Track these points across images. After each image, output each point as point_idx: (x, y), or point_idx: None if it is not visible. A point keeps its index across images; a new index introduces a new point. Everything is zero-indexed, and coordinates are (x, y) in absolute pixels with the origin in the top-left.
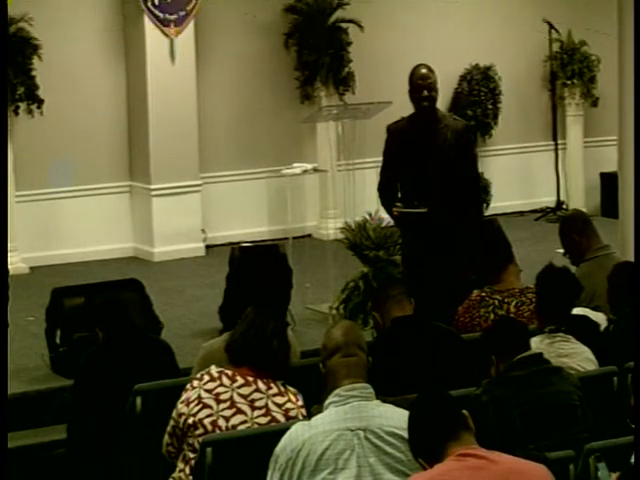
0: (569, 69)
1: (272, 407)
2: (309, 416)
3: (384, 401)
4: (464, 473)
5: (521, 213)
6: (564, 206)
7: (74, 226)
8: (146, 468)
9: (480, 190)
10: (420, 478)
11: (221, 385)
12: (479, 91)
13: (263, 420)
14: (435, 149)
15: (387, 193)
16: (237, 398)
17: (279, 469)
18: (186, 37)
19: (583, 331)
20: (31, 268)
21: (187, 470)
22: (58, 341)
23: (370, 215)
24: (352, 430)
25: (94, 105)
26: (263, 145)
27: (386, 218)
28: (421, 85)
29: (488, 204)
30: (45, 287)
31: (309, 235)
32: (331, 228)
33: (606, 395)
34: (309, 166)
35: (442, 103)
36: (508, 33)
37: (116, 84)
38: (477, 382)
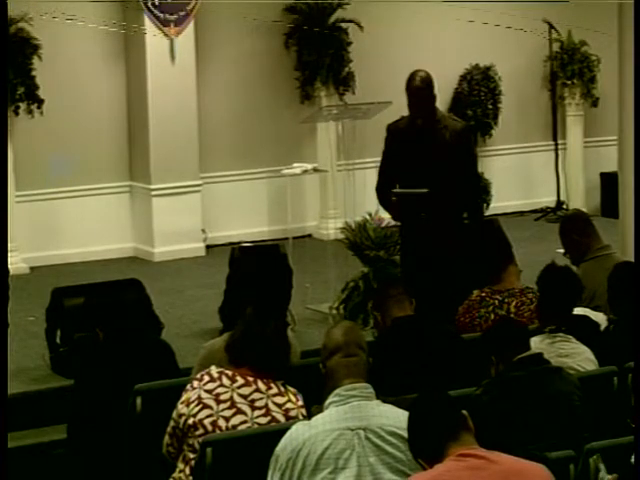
0: (569, 69)
1: (272, 407)
2: (309, 416)
3: (384, 401)
4: (464, 473)
5: (521, 213)
6: (564, 206)
7: (74, 226)
8: (146, 468)
9: (480, 190)
10: (420, 478)
11: (221, 385)
12: (479, 91)
13: (263, 420)
14: (434, 149)
15: (385, 193)
16: (237, 398)
17: (279, 469)
18: (186, 37)
19: (583, 331)
20: (31, 268)
21: (187, 470)
22: (58, 341)
23: (370, 215)
24: (352, 430)
25: (94, 105)
26: (263, 145)
27: (386, 218)
28: (414, 100)
29: (488, 204)
30: (45, 287)
31: (309, 235)
32: (331, 228)
33: (606, 395)
34: (309, 166)
35: (442, 103)
36: (508, 33)
37: (116, 84)
38: (477, 382)
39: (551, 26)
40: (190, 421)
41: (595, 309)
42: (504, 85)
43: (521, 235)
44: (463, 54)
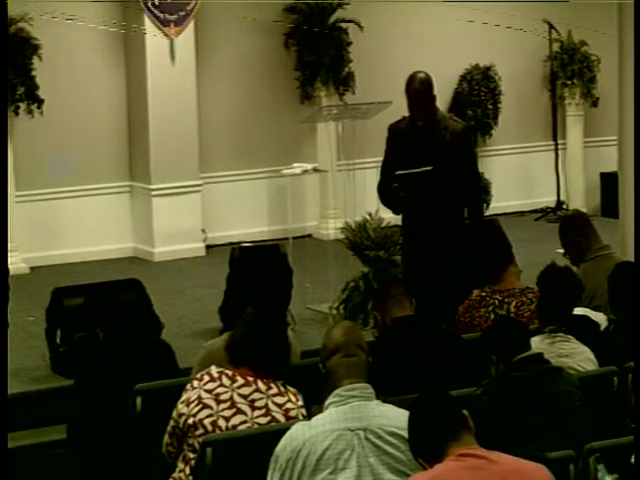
0: (569, 69)
1: (272, 407)
2: (309, 416)
3: (384, 401)
4: (464, 473)
5: (521, 213)
6: (564, 206)
7: (74, 226)
8: (146, 468)
9: (480, 190)
10: (420, 478)
11: (221, 385)
12: (479, 91)
13: (263, 420)
14: (434, 150)
15: (387, 190)
16: (237, 398)
17: (279, 469)
18: (186, 37)
19: (583, 331)
20: (31, 268)
21: (187, 470)
22: (58, 341)
23: (370, 215)
24: (352, 430)
25: (94, 105)
26: (263, 145)
27: (387, 218)
28: (413, 102)
29: (488, 204)
30: (45, 287)
31: (309, 235)
32: (331, 228)
33: (606, 395)
34: (309, 166)
35: (442, 103)
36: (508, 33)
37: (116, 84)
38: (477, 382)
39: (551, 26)
40: (190, 421)
41: (595, 309)
42: (504, 85)
43: (521, 235)
44: (463, 54)
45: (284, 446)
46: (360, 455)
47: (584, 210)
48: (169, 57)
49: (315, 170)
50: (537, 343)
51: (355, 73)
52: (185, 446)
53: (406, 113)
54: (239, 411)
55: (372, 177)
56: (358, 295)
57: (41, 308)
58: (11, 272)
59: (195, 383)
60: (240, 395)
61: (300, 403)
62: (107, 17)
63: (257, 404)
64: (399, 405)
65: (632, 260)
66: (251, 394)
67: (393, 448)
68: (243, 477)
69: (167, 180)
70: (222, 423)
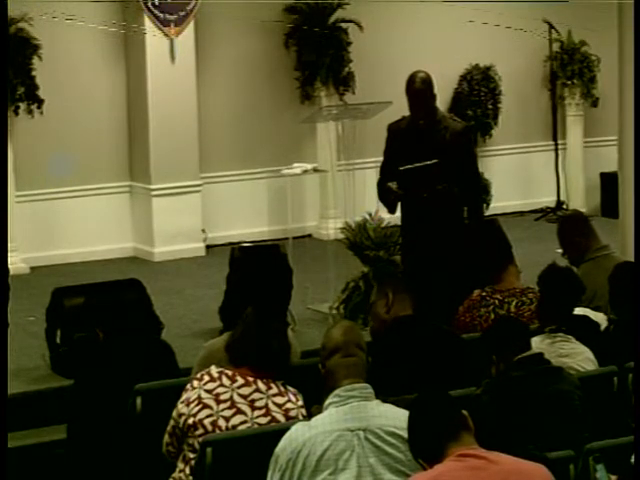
0: (569, 69)
1: (272, 407)
2: (309, 416)
3: (384, 401)
4: (464, 473)
5: (521, 213)
6: (564, 206)
7: (74, 226)
8: (146, 468)
9: (480, 190)
10: (420, 478)
11: (221, 385)
12: (479, 91)
13: (263, 420)
14: (434, 150)
15: (385, 186)
16: (237, 398)
17: (279, 469)
18: (186, 37)
19: (583, 331)
20: (31, 268)
21: (187, 470)
22: (58, 341)
23: (370, 215)
24: (352, 430)
25: (94, 105)
26: (263, 145)
27: (386, 218)
28: (414, 101)
29: (488, 204)
30: (45, 287)
31: (309, 235)
32: (331, 228)
33: (606, 395)
34: (309, 166)
35: (442, 103)
36: (508, 33)
37: (116, 84)
38: (477, 382)
39: (551, 26)
40: (190, 421)
41: (595, 310)
42: (504, 85)
43: (521, 235)
44: (463, 54)
45: (284, 446)
46: (360, 455)
47: (584, 210)
48: (169, 57)
49: (315, 170)
50: (537, 343)
51: (355, 73)
52: (185, 446)
53: (406, 113)
54: (239, 411)
55: (372, 177)
56: (358, 295)
57: (41, 308)
58: (11, 272)
59: (195, 383)
60: (240, 395)
61: (300, 403)
62: (107, 17)
63: (257, 404)
64: (399, 405)
65: (632, 260)
66: (251, 394)
67: (393, 448)
68: (243, 477)
69: (167, 180)
70: (222, 423)
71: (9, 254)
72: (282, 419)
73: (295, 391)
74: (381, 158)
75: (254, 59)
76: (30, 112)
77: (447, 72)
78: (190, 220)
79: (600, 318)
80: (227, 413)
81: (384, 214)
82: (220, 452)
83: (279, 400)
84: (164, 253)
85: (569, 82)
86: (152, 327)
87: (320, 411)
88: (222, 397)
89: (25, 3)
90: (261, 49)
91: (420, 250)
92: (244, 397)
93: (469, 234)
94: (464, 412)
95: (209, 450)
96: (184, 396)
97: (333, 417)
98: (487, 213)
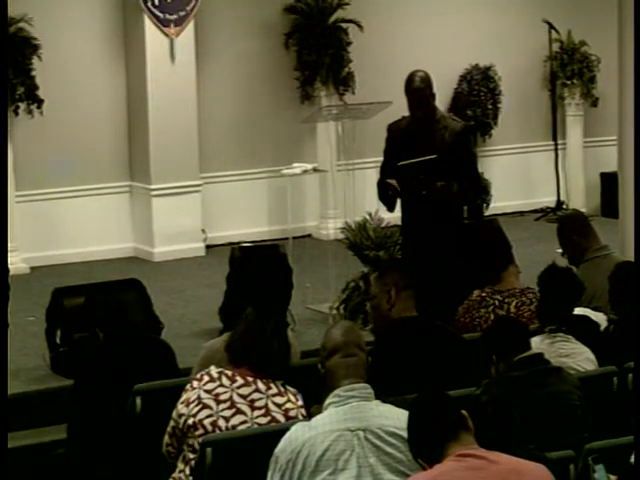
0: (569, 69)
1: (272, 407)
2: (309, 416)
3: (384, 401)
4: (464, 473)
5: (521, 213)
6: (564, 206)
7: (74, 226)
8: (146, 468)
9: (480, 190)
10: (420, 478)
11: (221, 385)
12: (479, 91)
13: (263, 420)
14: (433, 149)
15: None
16: (237, 398)
17: (279, 470)
18: (186, 37)
19: (583, 331)
20: (31, 268)
21: (187, 470)
22: (58, 341)
23: (370, 215)
24: (352, 431)
25: (94, 105)
26: (263, 145)
27: (386, 218)
28: (413, 100)
29: (488, 204)
30: (45, 287)
31: (309, 235)
32: (331, 228)
33: (606, 395)
34: (309, 166)
35: (442, 103)
36: (508, 33)
37: (116, 84)
38: (477, 382)
39: (551, 26)
40: (190, 421)
41: (595, 310)
42: (504, 85)
43: (521, 235)
44: (463, 54)
45: (284, 447)
46: (360, 455)
47: (584, 210)
48: (169, 57)
49: (315, 170)
50: (537, 343)
51: (355, 73)
52: (185, 446)
53: (406, 113)
54: (239, 411)
55: (372, 177)
56: (358, 295)
57: (41, 308)
58: (11, 272)
59: (195, 383)
60: (240, 395)
61: (300, 403)
62: (107, 17)
63: (257, 404)
64: (399, 405)
65: (632, 260)
66: (251, 394)
67: (393, 448)
68: (243, 477)
69: (167, 180)
70: (222, 423)
71: (9, 254)
72: (282, 419)
73: (295, 391)
74: (381, 158)
75: (254, 59)
76: (30, 112)
77: (447, 72)
78: (190, 220)
79: (600, 318)
80: (227, 413)
81: (384, 214)
82: (220, 452)
83: (279, 400)
84: (164, 253)
85: (569, 82)
86: (152, 327)
87: (320, 411)
88: (222, 397)
89: (25, 3)
90: (261, 49)
91: (420, 250)
92: (244, 397)
93: (469, 234)
94: (464, 412)
95: (209, 450)
96: (184, 396)
97: (333, 417)
98: (487, 213)
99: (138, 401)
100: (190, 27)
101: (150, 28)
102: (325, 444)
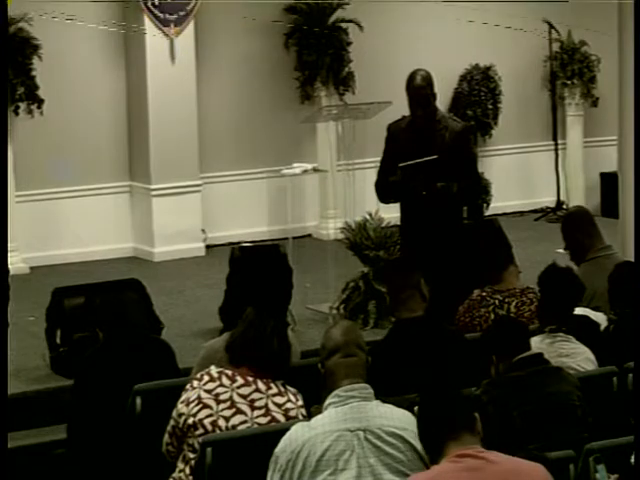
0: (569, 69)
1: (272, 407)
2: (309, 416)
3: (384, 401)
4: (461, 474)
5: (521, 213)
6: (564, 206)
7: (74, 226)
8: (146, 468)
9: (480, 190)
10: (419, 479)
11: (221, 385)
12: (479, 91)
13: (263, 420)
14: (433, 150)
15: (384, 185)
16: (237, 398)
17: (279, 470)
18: (186, 37)
19: (583, 331)
20: (31, 268)
21: (187, 470)
22: (58, 341)
23: (370, 215)
24: (352, 431)
25: (94, 105)
26: (263, 145)
27: (386, 218)
28: (414, 98)
29: (488, 204)
30: (45, 287)
31: (309, 235)
32: (331, 228)
33: (606, 395)
34: (309, 166)
35: (442, 103)
36: (508, 33)
37: (116, 84)
38: (477, 382)
39: (551, 26)
40: (190, 421)
41: (595, 310)
42: (504, 85)
43: (521, 235)
44: (463, 54)
45: (284, 447)
46: (360, 456)
47: None
48: (169, 57)
49: (315, 170)
50: (537, 343)
51: (355, 73)
52: (185, 446)
53: (406, 113)
54: (239, 411)
55: (372, 177)
56: (358, 295)
57: (41, 308)
58: (11, 272)
59: (195, 383)
60: (240, 395)
61: (300, 403)
62: (107, 17)
63: (257, 404)
64: (399, 405)
65: (632, 260)
66: (251, 394)
67: (393, 448)
68: (243, 477)
69: (167, 180)
70: (222, 423)
71: (9, 254)
72: (282, 419)
73: (295, 391)
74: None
75: (254, 59)
76: (30, 112)
77: (447, 72)
78: (190, 220)
79: (600, 318)
80: (227, 413)
81: (384, 214)
82: (220, 452)
83: (279, 400)
84: (164, 253)
85: (569, 82)
86: (152, 327)
87: (320, 411)
88: (222, 397)
89: (25, 3)
90: (261, 49)
91: (420, 250)
92: (244, 397)
93: (469, 234)
94: (475, 415)
95: (209, 450)
96: (184, 396)
97: (333, 417)
98: (487, 213)
99: (138, 401)
100: (190, 27)
101: (150, 28)
102: (325, 444)
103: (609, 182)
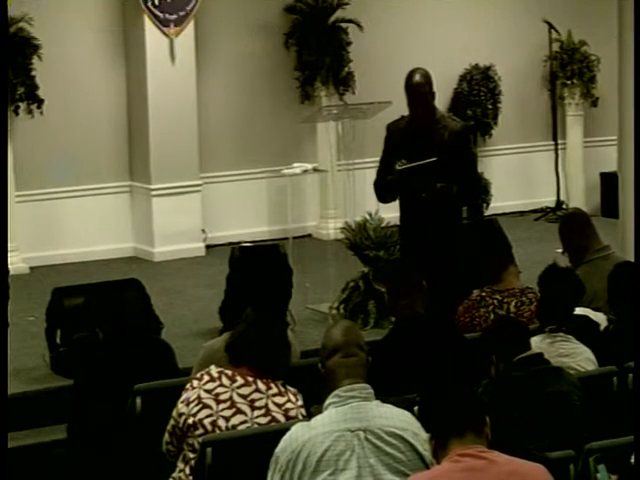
0: (569, 69)
1: (272, 407)
2: (309, 416)
3: (384, 401)
4: (461, 475)
5: (521, 213)
6: (564, 206)
7: (74, 226)
8: (146, 468)
9: (480, 190)
10: (419, 479)
11: (221, 385)
12: (479, 91)
13: (263, 420)
14: (433, 149)
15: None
16: (237, 398)
17: (279, 470)
18: (186, 37)
19: (583, 331)
20: (31, 268)
21: (187, 470)
22: (58, 341)
23: (370, 215)
24: (352, 431)
25: (94, 105)
26: (263, 145)
27: (386, 219)
28: (413, 96)
29: (488, 204)
30: (45, 287)
31: (309, 235)
32: (331, 228)
33: (606, 395)
34: (309, 166)
35: (442, 103)
36: (508, 33)
37: (116, 84)
38: (477, 382)
39: (551, 26)
40: (190, 421)
41: (595, 310)
42: (504, 85)
43: (521, 235)
44: (463, 54)
45: (284, 447)
46: (360, 456)
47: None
48: (169, 57)
49: (315, 170)
50: (537, 343)
51: (355, 73)
52: (185, 446)
53: (406, 113)
54: (239, 411)
55: (372, 177)
56: (358, 295)
57: (41, 308)
58: (11, 272)
59: (195, 383)
60: (240, 395)
61: (300, 403)
62: (107, 17)
63: (257, 404)
64: (399, 405)
65: (632, 260)
66: (251, 394)
67: (393, 448)
68: (243, 477)
69: (167, 180)
70: (222, 423)
71: (9, 254)
72: (282, 419)
73: (295, 391)
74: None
75: (254, 59)
76: (30, 112)
77: (447, 72)
78: (190, 220)
79: (600, 318)
80: (227, 413)
81: (384, 214)
82: (220, 452)
83: (279, 400)
84: (164, 253)
85: (569, 82)
86: (152, 327)
87: (320, 411)
88: (222, 397)
89: (25, 3)
90: (261, 49)
91: (420, 250)
92: (244, 397)
93: (469, 234)
94: (486, 418)
95: (209, 450)
96: (184, 396)
97: (333, 417)
98: (487, 213)
99: (138, 401)
100: (190, 27)
101: (150, 28)
102: (325, 444)
103: (609, 182)
